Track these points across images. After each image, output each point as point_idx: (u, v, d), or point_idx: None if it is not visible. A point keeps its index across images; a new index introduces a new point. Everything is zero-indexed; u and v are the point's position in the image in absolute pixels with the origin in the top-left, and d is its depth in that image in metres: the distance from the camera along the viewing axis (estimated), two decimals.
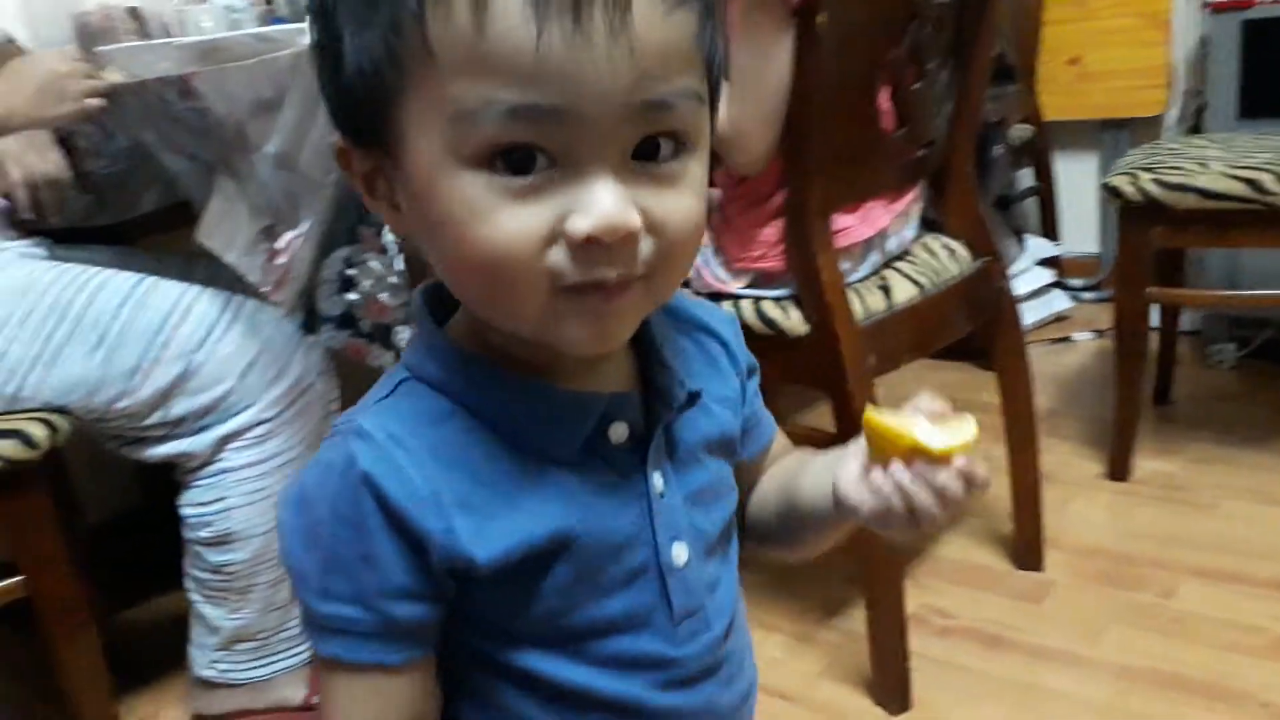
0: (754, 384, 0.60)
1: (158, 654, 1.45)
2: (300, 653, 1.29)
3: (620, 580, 0.50)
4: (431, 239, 0.45)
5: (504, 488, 0.47)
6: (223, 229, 1.14)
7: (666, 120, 0.42)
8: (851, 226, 1.14)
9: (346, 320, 0.96)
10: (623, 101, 0.40)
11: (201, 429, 1.18)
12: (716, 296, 1.18)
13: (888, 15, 1.09)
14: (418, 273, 0.97)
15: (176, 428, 1.18)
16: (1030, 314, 2.42)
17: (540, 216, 0.41)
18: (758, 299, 1.16)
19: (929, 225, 1.32)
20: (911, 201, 1.24)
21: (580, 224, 0.41)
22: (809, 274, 1.10)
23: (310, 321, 0.98)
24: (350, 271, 0.95)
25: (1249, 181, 1.43)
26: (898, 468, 0.49)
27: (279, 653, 1.28)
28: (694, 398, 0.53)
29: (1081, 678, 1.22)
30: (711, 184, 0.75)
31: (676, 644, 0.52)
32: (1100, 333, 2.27)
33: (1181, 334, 2.17)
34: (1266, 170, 1.43)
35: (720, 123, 0.84)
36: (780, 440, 0.63)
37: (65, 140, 1.27)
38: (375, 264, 0.95)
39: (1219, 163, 1.49)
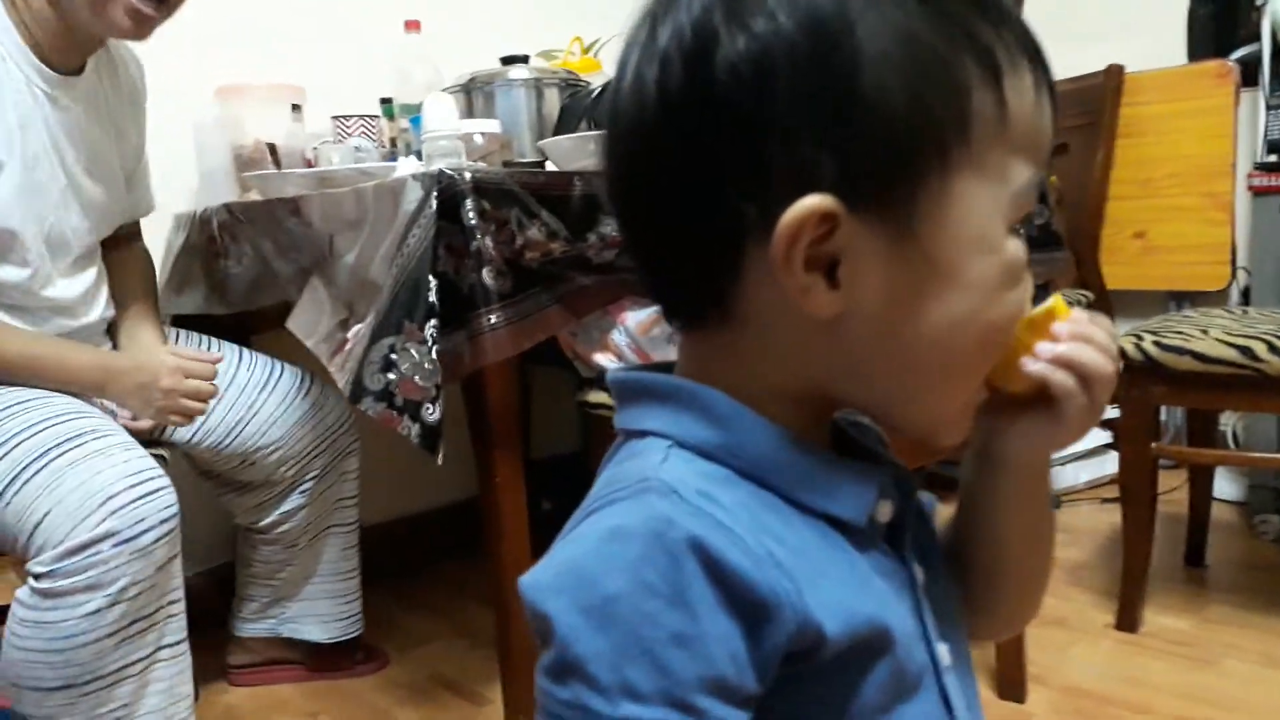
0: None
1: None
2: None
3: (911, 685, 0.43)
4: (915, 315, 0.41)
5: (812, 556, 0.41)
6: (308, 320, 1.40)
7: None
8: None
9: (384, 395, 1.18)
10: None
11: None
12: None
13: None
14: (448, 366, 1.17)
15: None
16: (1085, 472, 2.45)
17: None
18: None
19: None
20: None
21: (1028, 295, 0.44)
22: None
23: (356, 393, 1.21)
24: (393, 356, 1.18)
25: (1242, 349, 1.51)
26: (1047, 343, 0.45)
27: None
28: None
29: None
30: None
31: None
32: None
33: (1228, 503, 2.18)
34: (1261, 340, 1.51)
35: None
36: None
37: (211, 241, 1.60)
38: (414, 352, 1.17)
39: (1219, 330, 1.58)
